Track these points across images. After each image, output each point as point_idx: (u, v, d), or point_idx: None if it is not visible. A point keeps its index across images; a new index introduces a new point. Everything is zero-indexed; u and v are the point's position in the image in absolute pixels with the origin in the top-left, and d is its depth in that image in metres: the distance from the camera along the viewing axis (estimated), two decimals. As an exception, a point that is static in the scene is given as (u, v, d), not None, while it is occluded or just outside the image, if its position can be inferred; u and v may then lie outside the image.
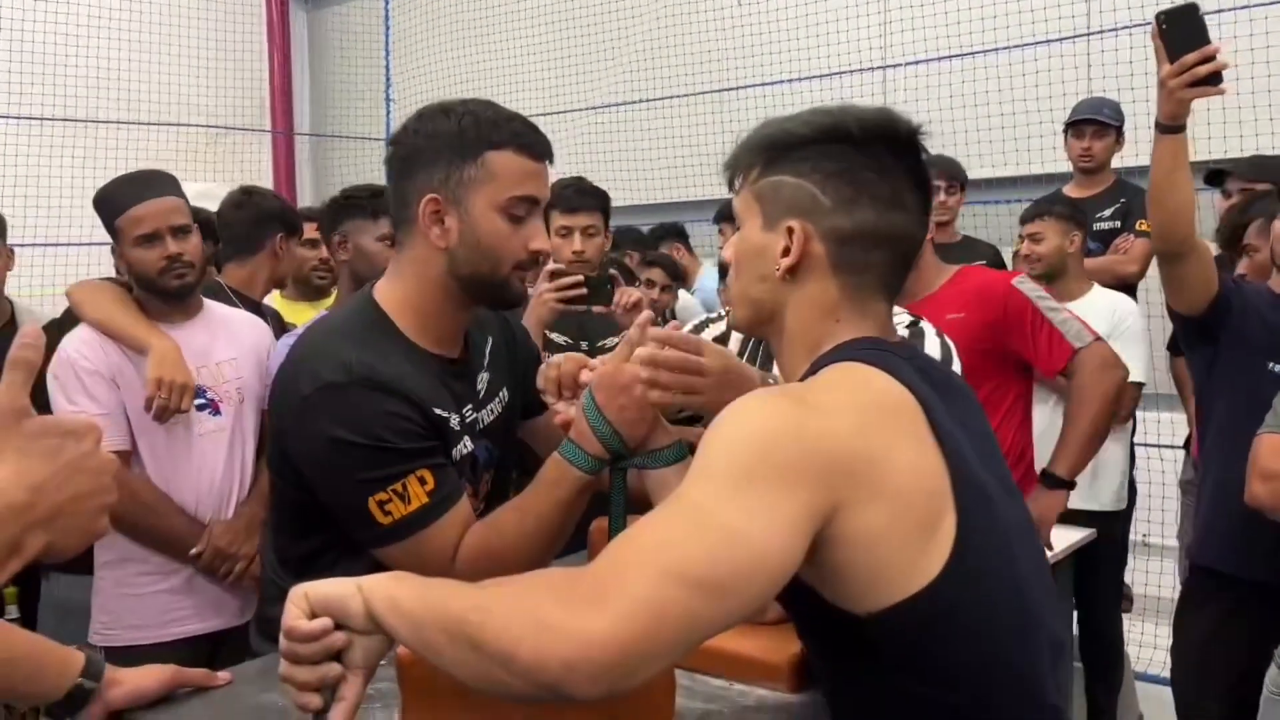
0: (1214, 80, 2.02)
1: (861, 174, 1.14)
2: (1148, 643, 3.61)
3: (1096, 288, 3.34)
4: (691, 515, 0.95)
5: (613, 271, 2.73)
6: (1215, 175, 3.30)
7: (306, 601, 0.97)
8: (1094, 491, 3.26)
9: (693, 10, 6.15)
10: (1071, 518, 3.23)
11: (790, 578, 0.97)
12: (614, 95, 6.54)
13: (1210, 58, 2.00)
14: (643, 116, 6.34)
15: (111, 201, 2.20)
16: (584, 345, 2.92)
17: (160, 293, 2.20)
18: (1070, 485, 2.60)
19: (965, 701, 1.05)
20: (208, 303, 2.36)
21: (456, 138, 1.43)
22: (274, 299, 3.17)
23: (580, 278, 2.41)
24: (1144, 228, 3.54)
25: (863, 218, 1.14)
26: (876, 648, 1.04)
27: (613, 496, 1.42)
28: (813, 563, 0.99)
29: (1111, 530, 3.34)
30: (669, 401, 1.36)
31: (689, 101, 6.06)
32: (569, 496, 1.39)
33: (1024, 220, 3.39)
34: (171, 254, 2.16)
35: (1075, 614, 3.29)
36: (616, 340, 2.89)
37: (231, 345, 2.31)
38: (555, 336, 2.90)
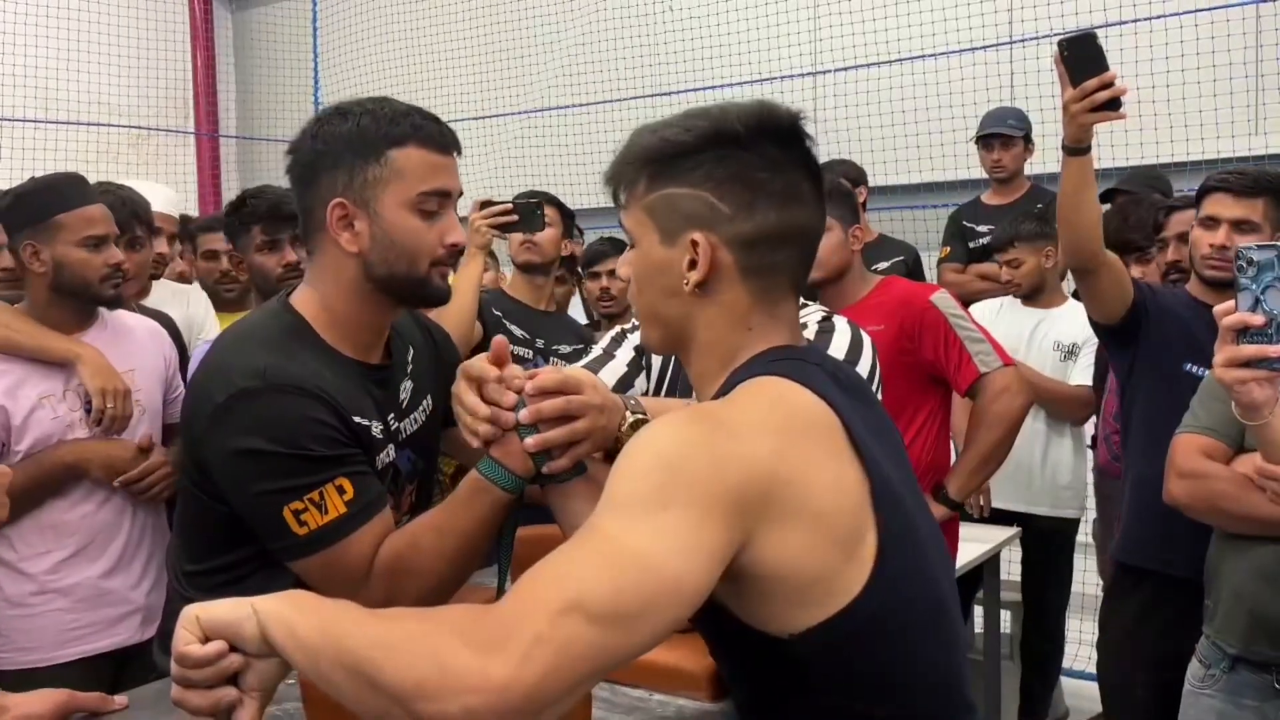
0: (1113, 105, 2.09)
1: (755, 175, 1.10)
2: (1072, 639, 3.68)
3: (1070, 299, 3.39)
4: (599, 546, 0.92)
5: (535, 199, 2.87)
6: (1106, 194, 3.39)
7: (199, 625, 0.93)
8: (1057, 499, 3.32)
9: (624, 16, 6.14)
10: (1033, 522, 3.30)
11: (700, 604, 0.94)
12: (545, 100, 6.51)
13: (1109, 84, 2.06)
14: (574, 122, 6.31)
15: (55, 193, 2.09)
16: (539, 343, 2.92)
17: (91, 300, 2.12)
18: (959, 507, 2.63)
19: (888, 710, 1.05)
20: (104, 312, 2.24)
21: (356, 139, 1.38)
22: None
23: (509, 205, 2.67)
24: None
25: (764, 219, 1.11)
26: (798, 666, 1.02)
27: (501, 544, 1.37)
28: (728, 585, 0.98)
29: (1070, 535, 3.41)
30: (563, 466, 1.31)
31: (620, 107, 6.05)
32: (490, 514, 1.34)
33: (996, 249, 3.47)
34: (117, 262, 2.10)
35: (1003, 613, 3.35)
36: (569, 349, 2.89)
37: (130, 356, 2.19)
38: (513, 329, 2.91)
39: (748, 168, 1.11)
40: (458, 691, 0.83)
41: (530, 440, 1.27)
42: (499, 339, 1.35)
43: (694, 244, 1.11)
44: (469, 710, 0.83)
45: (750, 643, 1.03)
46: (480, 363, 1.33)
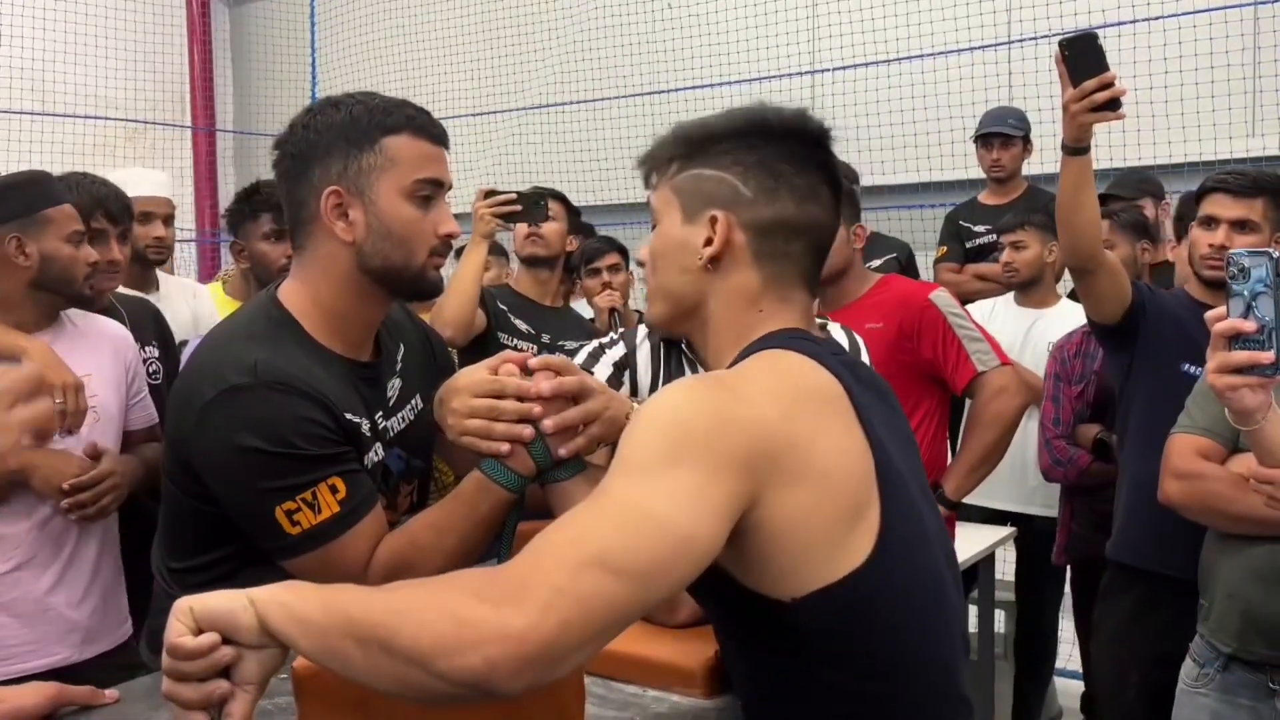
0: (1113, 106, 2.09)
1: (779, 165, 1.16)
2: (1066, 639, 3.68)
3: (1064, 299, 3.40)
4: (613, 505, 0.94)
5: (540, 192, 2.94)
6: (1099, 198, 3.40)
7: (192, 616, 0.92)
8: (1050, 499, 3.32)
9: (622, 13, 6.14)
10: (1026, 522, 3.30)
11: (710, 562, 0.96)
12: (543, 97, 6.51)
13: (1109, 85, 2.07)
14: (571, 119, 6.31)
15: (41, 187, 2.02)
16: (544, 338, 2.93)
17: (72, 297, 2.05)
18: (955, 506, 2.63)
19: (882, 691, 1.06)
20: (65, 313, 2.12)
21: (349, 127, 1.37)
22: (217, 297, 3.03)
23: (514, 195, 2.76)
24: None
25: (782, 208, 1.16)
26: (796, 635, 1.04)
27: (503, 535, 1.38)
28: (732, 548, 0.99)
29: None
30: (580, 445, 1.35)
31: (618, 104, 6.05)
32: (491, 514, 1.35)
33: (1005, 230, 3.46)
34: (95, 260, 2.04)
35: (998, 612, 3.35)
36: (575, 345, 2.90)
37: (88, 358, 2.06)
38: (519, 323, 2.92)
39: (773, 159, 1.16)
40: (477, 643, 0.84)
41: (549, 422, 1.31)
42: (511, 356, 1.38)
43: (713, 221, 1.16)
44: (490, 661, 0.84)
45: (752, 610, 1.04)
46: (493, 380, 1.35)
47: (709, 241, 1.16)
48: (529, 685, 0.86)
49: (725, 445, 0.97)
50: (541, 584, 0.87)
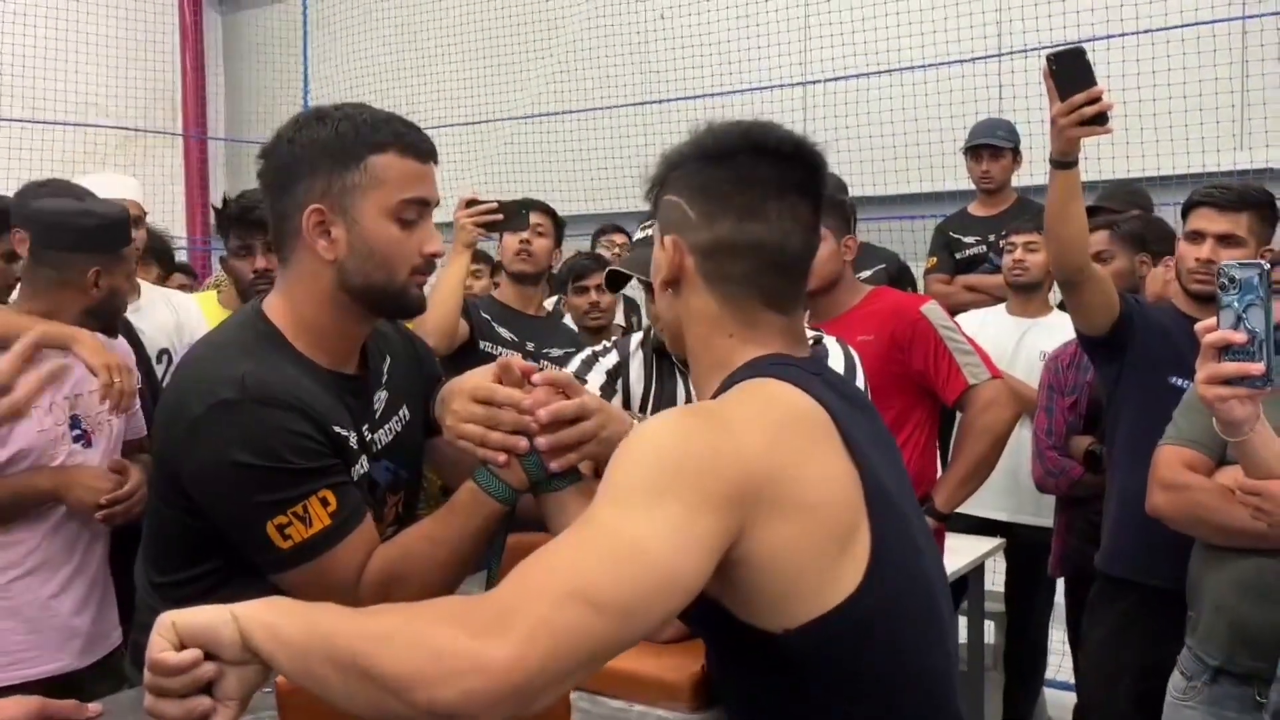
0: (1100, 120, 2.10)
1: (719, 187, 1.16)
2: (1055, 649, 3.68)
3: (1055, 310, 3.40)
4: (598, 536, 0.93)
5: (526, 199, 2.98)
6: (1087, 210, 3.41)
7: (174, 632, 0.92)
8: (1040, 509, 3.32)
9: (616, 23, 6.16)
10: (1017, 532, 3.30)
11: (695, 595, 0.95)
12: (537, 106, 6.52)
13: (1096, 99, 2.08)
14: (565, 128, 6.32)
15: (125, 227, 2.15)
16: (529, 346, 2.92)
17: (108, 327, 2.15)
18: (945, 518, 2.63)
19: (878, 710, 1.06)
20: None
21: (334, 143, 1.35)
22: (209, 305, 3.01)
23: (495, 204, 2.78)
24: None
25: (721, 230, 1.15)
26: (789, 660, 1.03)
27: (493, 547, 1.39)
28: (722, 580, 0.99)
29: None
30: (573, 461, 1.34)
31: (611, 114, 6.06)
32: (484, 526, 1.35)
33: (1020, 230, 3.43)
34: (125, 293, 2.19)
35: (988, 623, 3.35)
36: (560, 353, 2.89)
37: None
38: (502, 331, 2.92)
39: (716, 180, 1.16)
40: (457, 674, 0.84)
41: (543, 441, 1.30)
42: (515, 362, 1.38)
43: (668, 245, 1.18)
44: (468, 693, 0.83)
45: (745, 641, 1.04)
46: (495, 388, 1.35)
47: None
48: (506, 718, 0.85)
49: (714, 479, 0.96)
50: (524, 615, 0.86)
